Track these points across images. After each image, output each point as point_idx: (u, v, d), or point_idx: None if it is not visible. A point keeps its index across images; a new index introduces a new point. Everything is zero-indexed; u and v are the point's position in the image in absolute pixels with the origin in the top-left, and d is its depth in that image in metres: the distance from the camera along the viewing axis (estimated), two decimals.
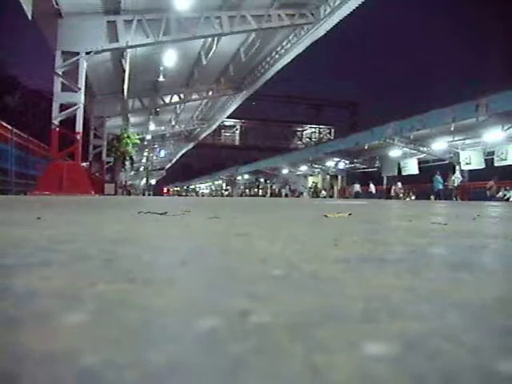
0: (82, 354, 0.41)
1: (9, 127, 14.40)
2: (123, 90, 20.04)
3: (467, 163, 19.06)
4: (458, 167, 19.63)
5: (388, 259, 1.05)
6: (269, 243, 1.36)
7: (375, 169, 27.05)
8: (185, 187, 70.69)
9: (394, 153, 21.94)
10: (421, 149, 20.53)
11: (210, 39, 17.66)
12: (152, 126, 31.34)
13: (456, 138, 18.33)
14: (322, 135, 67.37)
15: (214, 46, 18.24)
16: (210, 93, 25.30)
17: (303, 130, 68.31)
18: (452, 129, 16.14)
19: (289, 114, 65.88)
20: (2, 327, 0.50)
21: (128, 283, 0.74)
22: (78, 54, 13.44)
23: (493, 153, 17.93)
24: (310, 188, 31.91)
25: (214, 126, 36.12)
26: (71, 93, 13.55)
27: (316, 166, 30.60)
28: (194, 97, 25.17)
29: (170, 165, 60.58)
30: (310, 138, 67.04)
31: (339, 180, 29.94)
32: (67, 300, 0.62)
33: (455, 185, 19.11)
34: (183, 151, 47.59)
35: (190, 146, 42.69)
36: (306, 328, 0.50)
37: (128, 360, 0.40)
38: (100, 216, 2.93)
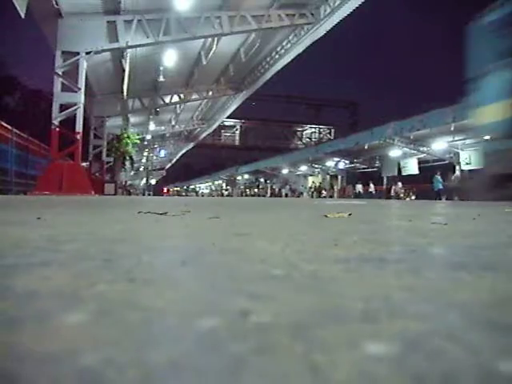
0: (82, 354, 0.41)
1: (9, 127, 14.40)
2: (123, 89, 20.05)
3: (467, 163, 19.07)
4: (457, 167, 19.62)
5: (388, 259, 1.05)
6: (269, 243, 1.36)
7: (375, 169, 27.13)
8: (185, 187, 70.70)
9: (394, 153, 22.07)
10: (421, 149, 20.64)
11: (210, 39, 17.66)
12: (152, 126, 31.35)
13: (456, 138, 18.33)
14: (321, 135, 67.39)
15: (214, 46, 18.24)
16: (210, 93, 25.31)
17: (303, 130, 68.33)
18: (452, 129, 15.97)
19: (289, 114, 65.95)
20: (2, 327, 0.50)
21: (128, 283, 0.74)
22: (78, 54, 13.44)
23: None
24: (310, 188, 31.98)
25: (214, 126, 36.14)
26: (71, 93, 13.56)
27: (316, 165, 30.71)
28: (193, 97, 25.18)
29: (170, 165, 60.58)
30: (310, 138, 67.05)
31: (339, 180, 30.07)
32: (67, 300, 0.62)
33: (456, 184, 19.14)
34: (183, 151, 47.62)
35: (190, 145, 42.72)
36: (306, 328, 0.50)
37: (128, 360, 0.40)
38: (100, 216, 2.93)
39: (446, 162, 20.79)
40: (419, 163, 22.29)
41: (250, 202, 7.52)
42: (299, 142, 66.08)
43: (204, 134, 38.58)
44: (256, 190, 43.44)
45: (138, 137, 26.84)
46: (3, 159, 13.96)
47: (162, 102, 24.51)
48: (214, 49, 18.44)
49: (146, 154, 43.25)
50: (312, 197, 29.65)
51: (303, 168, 32.47)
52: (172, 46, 16.86)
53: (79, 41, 13.46)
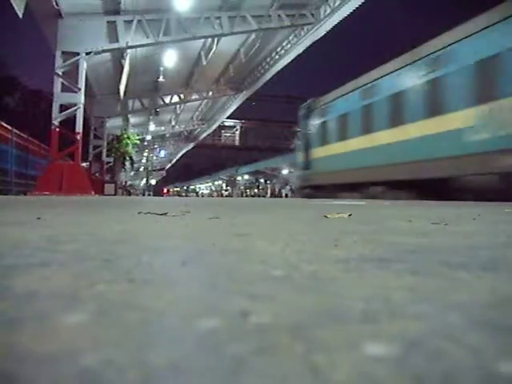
0: (81, 355, 0.41)
1: (9, 128, 14.41)
2: (123, 90, 20.06)
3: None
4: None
5: (388, 259, 1.05)
6: (269, 243, 1.36)
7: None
8: (185, 187, 70.65)
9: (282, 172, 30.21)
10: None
11: (210, 39, 17.67)
12: (152, 127, 31.37)
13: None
14: None
15: (214, 46, 18.25)
16: (210, 93, 25.31)
17: None
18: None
19: (289, 114, 65.80)
20: (2, 327, 0.50)
21: (128, 283, 0.74)
22: (78, 54, 13.44)
23: None
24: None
25: (214, 127, 36.15)
26: (71, 93, 13.56)
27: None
28: (193, 97, 25.19)
29: (170, 165, 60.59)
30: None
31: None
32: (67, 300, 0.62)
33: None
34: (183, 151, 47.63)
35: (190, 146, 42.72)
36: (306, 328, 0.50)
37: (128, 360, 0.40)
38: (100, 216, 2.93)
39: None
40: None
41: (250, 203, 7.52)
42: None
43: (204, 135, 38.60)
44: (256, 190, 43.69)
45: (137, 137, 26.86)
46: (3, 159, 13.97)
47: (161, 103, 24.51)
48: (214, 49, 18.44)
49: (146, 154, 43.28)
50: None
51: None
52: (172, 46, 16.87)
53: (79, 41, 13.46)
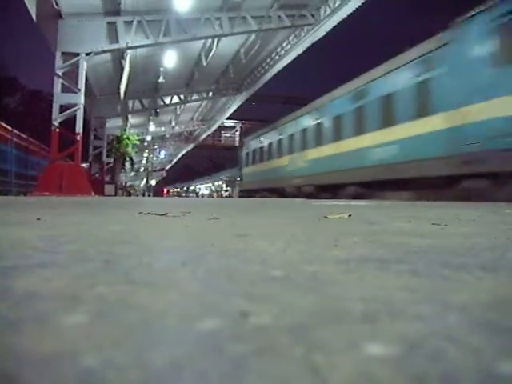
0: (81, 355, 0.41)
1: (9, 128, 14.41)
2: (122, 90, 20.05)
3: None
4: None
5: (388, 260, 1.05)
6: (269, 244, 1.36)
7: None
8: (185, 188, 70.64)
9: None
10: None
11: (210, 40, 17.67)
12: (152, 127, 31.35)
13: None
14: None
15: (214, 46, 18.25)
16: (210, 94, 25.32)
17: None
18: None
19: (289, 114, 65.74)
20: (2, 328, 0.50)
21: (128, 284, 0.74)
22: (78, 54, 13.43)
23: None
24: None
25: (214, 127, 36.13)
26: (71, 94, 13.55)
27: None
28: (194, 98, 25.19)
29: (170, 166, 60.56)
30: None
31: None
32: (67, 301, 0.62)
33: None
34: (183, 152, 47.61)
35: (190, 146, 42.70)
36: (306, 329, 0.50)
37: (128, 361, 0.40)
38: (100, 217, 2.93)
39: None
40: None
41: (250, 203, 7.52)
42: None
43: (204, 135, 38.59)
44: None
45: (137, 138, 26.85)
46: (3, 160, 13.97)
47: (162, 103, 24.50)
48: (214, 50, 18.44)
49: (146, 154, 43.27)
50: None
51: None
52: (172, 46, 16.86)
53: (79, 42, 13.45)
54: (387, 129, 10.46)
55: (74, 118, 13.59)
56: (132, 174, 42.04)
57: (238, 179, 27.66)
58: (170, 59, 18.47)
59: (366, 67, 12.48)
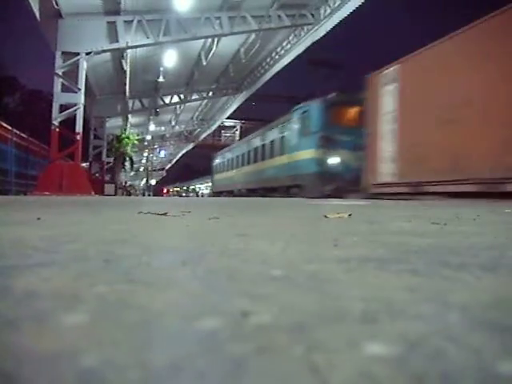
0: (81, 355, 0.41)
1: (9, 127, 14.40)
2: (123, 90, 20.04)
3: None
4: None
5: (388, 259, 1.05)
6: (269, 243, 1.36)
7: None
8: (185, 187, 70.73)
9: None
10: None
11: (210, 40, 17.66)
12: (152, 127, 31.36)
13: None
14: None
15: (214, 46, 18.24)
16: (210, 93, 25.31)
17: None
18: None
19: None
20: (2, 328, 0.50)
21: (128, 284, 0.74)
22: (78, 54, 13.42)
23: None
24: None
25: (214, 127, 36.15)
26: (71, 93, 13.55)
27: None
28: (193, 97, 25.18)
29: (170, 165, 60.55)
30: None
31: None
32: (67, 301, 0.62)
33: None
34: (183, 151, 47.62)
35: (190, 146, 42.71)
36: (306, 329, 0.50)
37: (128, 361, 0.40)
38: (100, 216, 2.93)
39: None
40: None
41: (249, 203, 7.52)
42: None
43: (204, 135, 38.59)
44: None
45: (137, 137, 26.85)
46: (3, 159, 13.97)
47: (161, 103, 24.51)
48: (213, 49, 18.43)
49: (145, 154, 43.28)
50: None
51: None
52: (172, 46, 16.86)
53: (79, 41, 13.44)
54: (271, 159, 18.19)
55: (73, 118, 13.58)
56: (132, 173, 42.07)
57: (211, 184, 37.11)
58: (169, 59, 18.46)
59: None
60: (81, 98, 13.46)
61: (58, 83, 13.31)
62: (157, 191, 55.65)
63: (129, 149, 24.61)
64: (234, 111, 30.37)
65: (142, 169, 50.19)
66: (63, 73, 13.47)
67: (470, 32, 7.84)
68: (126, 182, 33.25)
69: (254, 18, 15.39)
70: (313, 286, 0.75)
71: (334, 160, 13.10)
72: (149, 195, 39.12)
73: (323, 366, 0.39)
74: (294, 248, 1.26)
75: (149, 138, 34.64)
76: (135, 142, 25.45)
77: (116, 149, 24.20)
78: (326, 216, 2.84)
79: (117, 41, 14.07)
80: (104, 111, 22.54)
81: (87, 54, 13.56)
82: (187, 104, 26.56)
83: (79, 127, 13.57)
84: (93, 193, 13.85)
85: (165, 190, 66.52)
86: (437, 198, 8.24)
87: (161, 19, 14.41)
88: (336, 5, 15.28)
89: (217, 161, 30.75)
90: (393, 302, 0.63)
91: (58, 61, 13.35)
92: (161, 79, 20.80)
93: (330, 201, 8.78)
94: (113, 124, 24.50)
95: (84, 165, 18.71)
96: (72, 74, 13.58)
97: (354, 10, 14.99)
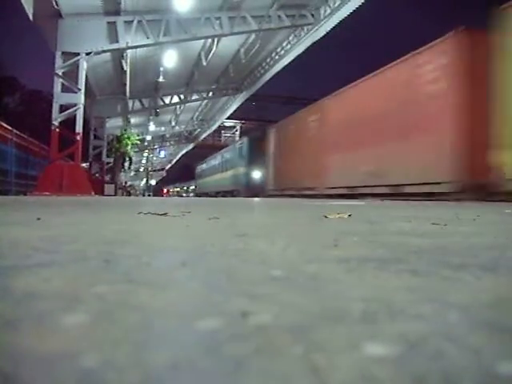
0: (81, 355, 0.41)
1: (9, 128, 14.39)
2: (123, 90, 20.03)
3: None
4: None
5: (388, 259, 1.05)
6: (269, 243, 1.36)
7: None
8: (185, 188, 70.75)
9: None
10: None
11: (210, 40, 17.65)
12: (152, 127, 31.34)
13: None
14: None
15: (214, 46, 18.23)
16: (210, 93, 25.31)
17: None
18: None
19: (289, 114, 65.78)
20: (1, 328, 0.49)
21: (128, 284, 0.74)
22: (78, 54, 13.41)
23: None
24: None
25: (214, 127, 36.12)
26: (71, 93, 13.54)
27: None
28: (194, 97, 25.17)
29: (170, 165, 60.53)
30: None
31: None
32: (67, 301, 0.62)
33: None
34: (183, 152, 47.59)
35: (190, 146, 42.69)
36: (306, 329, 0.50)
37: (128, 361, 0.40)
38: (100, 217, 2.93)
39: None
40: None
41: (250, 203, 7.52)
42: None
43: (204, 135, 38.57)
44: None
45: (137, 137, 26.84)
46: (3, 160, 13.96)
47: (162, 103, 24.49)
48: (213, 49, 18.42)
49: (145, 154, 43.27)
50: None
51: None
52: (172, 46, 16.85)
53: (79, 41, 13.43)
54: (224, 172, 27.40)
55: (73, 118, 13.58)
56: (132, 173, 42.13)
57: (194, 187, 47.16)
58: (169, 59, 18.45)
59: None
60: (81, 99, 13.46)
61: (58, 83, 13.30)
62: (157, 191, 55.64)
63: (129, 149, 24.61)
64: (234, 111, 30.35)
65: (142, 169, 50.20)
66: (63, 73, 13.46)
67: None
68: (126, 183, 33.31)
69: (253, 18, 15.38)
70: (313, 286, 0.75)
71: (255, 174, 22.15)
72: (149, 195, 39.13)
73: (323, 366, 0.39)
74: (294, 248, 1.26)
75: (149, 138, 34.64)
76: (135, 142, 25.46)
77: (116, 149, 24.19)
78: (325, 216, 2.84)
79: (117, 41, 14.07)
80: (104, 111, 22.52)
81: (87, 54, 13.55)
82: (187, 104, 26.55)
83: (79, 127, 13.57)
84: (93, 193, 13.85)
85: (165, 191, 66.51)
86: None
87: (161, 19, 14.41)
88: (336, 5, 15.27)
89: (198, 170, 42.12)
90: (393, 303, 0.63)
91: (58, 61, 13.34)
92: (161, 79, 20.79)
93: (330, 201, 8.78)
94: (113, 124, 24.49)
95: (84, 165, 18.70)
96: (72, 74, 13.58)
97: (354, 10, 14.99)
